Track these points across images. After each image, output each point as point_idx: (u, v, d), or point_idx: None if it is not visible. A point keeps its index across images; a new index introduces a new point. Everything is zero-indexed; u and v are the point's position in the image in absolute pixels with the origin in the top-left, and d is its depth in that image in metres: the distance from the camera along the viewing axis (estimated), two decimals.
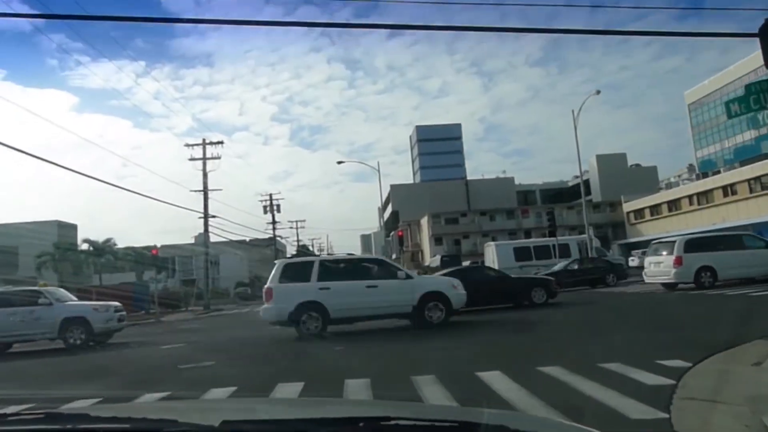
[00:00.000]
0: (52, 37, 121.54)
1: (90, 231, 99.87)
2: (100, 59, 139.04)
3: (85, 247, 46.49)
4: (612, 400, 5.13)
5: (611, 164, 76.15)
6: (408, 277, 13.59)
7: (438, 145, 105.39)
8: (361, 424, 1.03)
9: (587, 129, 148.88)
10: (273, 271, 13.38)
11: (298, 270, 13.34)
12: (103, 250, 45.39)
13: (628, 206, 63.38)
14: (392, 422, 1.02)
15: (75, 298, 16.75)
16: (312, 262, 13.55)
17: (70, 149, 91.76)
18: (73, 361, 12.60)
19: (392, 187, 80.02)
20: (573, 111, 29.33)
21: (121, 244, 49.33)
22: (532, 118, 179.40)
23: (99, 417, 1.12)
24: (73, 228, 50.94)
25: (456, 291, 13.45)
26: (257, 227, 62.41)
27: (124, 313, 16.62)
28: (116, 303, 16.50)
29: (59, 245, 43.89)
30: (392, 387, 6.74)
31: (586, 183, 44.69)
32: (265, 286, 13.35)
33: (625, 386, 5.60)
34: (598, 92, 30.09)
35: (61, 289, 17.28)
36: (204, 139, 37.13)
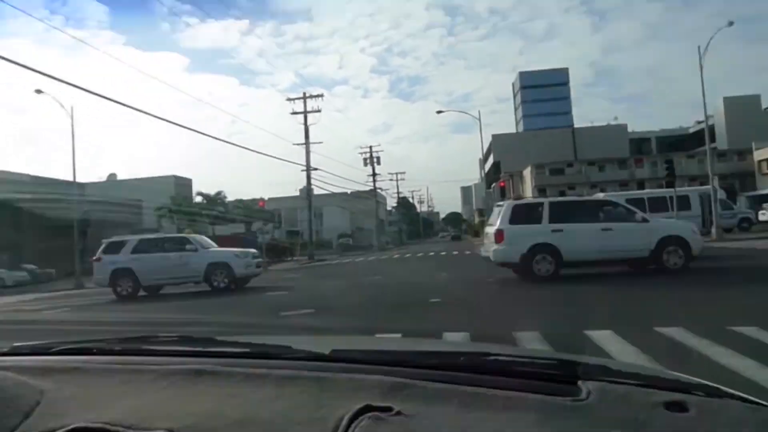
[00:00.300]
0: (163, 1, 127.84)
1: (203, 185, 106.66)
2: (207, 20, 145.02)
3: (198, 199, 49.60)
4: (749, 371, 4.45)
5: (741, 108, 68.72)
6: (644, 220, 12.89)
7: (543, 92, 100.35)
8: (461, 358, 1.11)
9: (713, 69, 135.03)
10: (501, 213, 13.06)
11: (528, 211, 13.02)
12: (214, 202, 48.19)
13: (760, 154, 57.11)
14: (491, 357, 1.08)
15: (216, 245, 17.67)
16: (542, 203, 13.17)
17: (184, 108, 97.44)
18: (201, 304, 13.49)
19: (494, 137, 77.71)
20: (699, 48, 26.29)
21: (230, 197, 52.15)
22: (649, 60, 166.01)
23: (223, 341, 1.37)
24: (188, 182, 54.38)
25: (695, 236, 12.78)
26: (358, 180, 63.48)
27: (261, 259, 17.60)
28: (254, 250, 17.56)
29: (176, 198, 47.07)
30: (490, 340, 6.40)
31: (711, 129, 40.54)
32: (494, 228, 13.01)
33: (765, 354, 4.86)
34: (731, 24, 26.59)
35: (205, 237, 18.51)
36: (305, 93, 37.76)
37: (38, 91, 25.07)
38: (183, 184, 52.91)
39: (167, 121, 35.67)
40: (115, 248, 16.39)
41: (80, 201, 27.95)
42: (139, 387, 0.92)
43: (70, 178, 28.26)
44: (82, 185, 34.49)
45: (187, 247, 16.20)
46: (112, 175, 58.81)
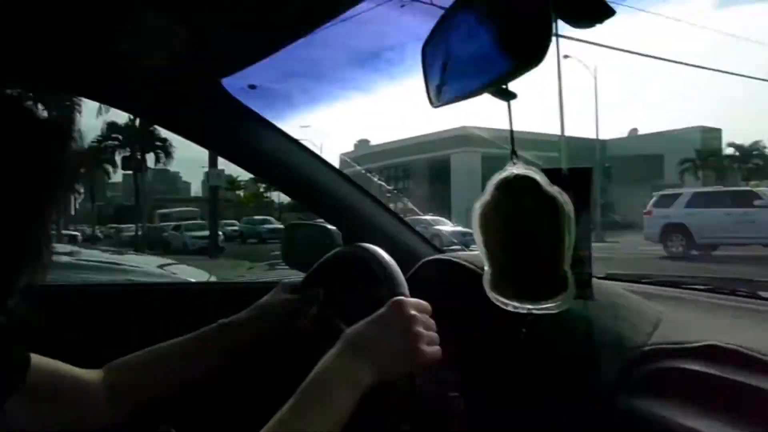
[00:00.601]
0: None
1: (736, 135, 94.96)
2: None
3: (729, 151, 44.62)
4: None
5: None
6: None
7: None
8: None
9: None
10: None
11: None
12: (749, 154, 42.44)
13: None
14: None
15: None
16: None
17: (713, 50, 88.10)
18: None
19: None
20: None
21: None
22: None
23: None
24: (716, 133, 49.76)
25: None
26: None
27: None
28: None
29: (702, 151, 43.82)
30: None
31: None
32: None
33: None
34: None
35: None
36: None
37: (565, 57, 27.05)
38: (710, 136, 48.71)
39: (691, 65, 32.97)
40: (666, 202, 15.84)
41: (602, 157, 29.08)
42: (749, 324, 0.93)
43: (593, 136, 29.74)
44: (603, 142, 35.81)
45: (756, 202, 14.25)
46: (633, 130, 59.16)
